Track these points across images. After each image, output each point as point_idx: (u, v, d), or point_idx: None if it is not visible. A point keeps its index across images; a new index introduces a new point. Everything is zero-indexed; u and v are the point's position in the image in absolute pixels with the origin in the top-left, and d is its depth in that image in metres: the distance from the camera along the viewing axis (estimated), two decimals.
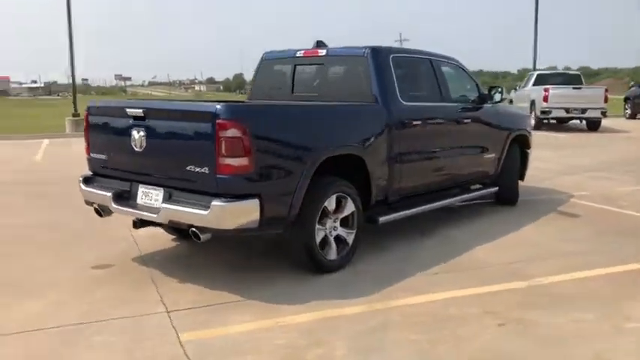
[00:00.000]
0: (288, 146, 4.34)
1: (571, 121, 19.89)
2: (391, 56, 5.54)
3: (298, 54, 5.94)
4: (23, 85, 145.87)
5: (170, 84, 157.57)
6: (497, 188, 7.12)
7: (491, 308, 4.03)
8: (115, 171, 4.85)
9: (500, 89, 6.84)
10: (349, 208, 4.88)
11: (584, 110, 18.47)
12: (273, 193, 4.25)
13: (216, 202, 3.99)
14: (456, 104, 6.37)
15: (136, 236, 5.69)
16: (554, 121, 19.86)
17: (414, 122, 5.58)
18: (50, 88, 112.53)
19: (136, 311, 3.98)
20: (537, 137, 17.11)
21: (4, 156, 13.05)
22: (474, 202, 7.29)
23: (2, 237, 5.92)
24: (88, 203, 5.01)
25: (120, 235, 5.79)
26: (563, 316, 3.90)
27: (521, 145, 7.59)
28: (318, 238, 4.63)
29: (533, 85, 20.09)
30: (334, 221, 4.82)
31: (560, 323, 3.80)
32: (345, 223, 4.91)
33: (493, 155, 6.91)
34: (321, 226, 4.66)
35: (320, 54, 5.78)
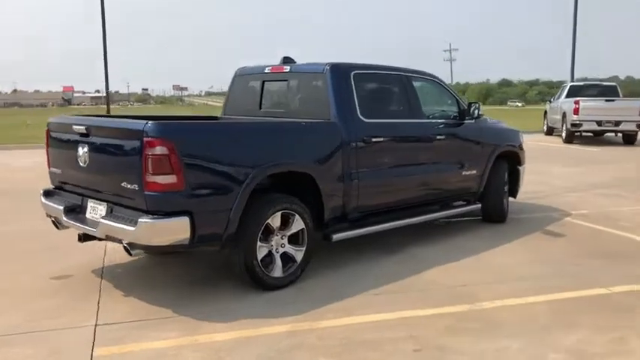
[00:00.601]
0: (221, 164, 4.37)
1: (607, 134, 19.22)
2: (353, 73, 5.51)
3: (266, 70, 5.99)
4: (86, 95, 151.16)
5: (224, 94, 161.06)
6: (479, 205, 6.96)
7: (417, 332, 3.93)
8: (70, 185, 5.01)
9: (477, 105, 6.70)
10: (297, 225, 4.87)
11: (617, 123, 17.81)
12: (207, 210, 4.28)
13: (142, 219, 4.07)
14: (428, 120, 6.27)
15: (109, 248, 5.78)
16: (589, 134, 19.24)
17: (376, 139, 5.52)
18: (112, 97, 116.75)
19: (67, 323, 4.08)
20: (565, 150, 16.98)
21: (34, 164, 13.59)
22: (460, 218, 7.14)
23: None
24: (48, 216, 5.18)
25: (96, 246, 5.74)
26: (488, 344, 3.77)
27: (511, 161, 7.41)
28: (260, 255, 4.63)
29: (566, 97, 19.49)
30: (281, 238, 4.82)
31: (482, 350, 3.68)
32: (294, 240, 4.90)
33: (474, 172, 6.76)
34: (263, 244, 4.67)
35: (285, 70, 5.81)
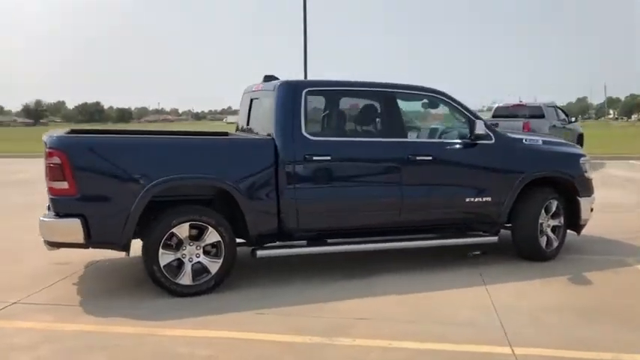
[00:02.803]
0: (115, 175, 4.82)
1: None
2: (305, 90, 5.44)
3: (253, 88, 6.22)
4: None
5: None
6: (495, 239, 6.05)
7: (220, 354, 3.84)
8: None
9: (487, 124, 5.90)
10: (212, 237, 5.05)
11: None
12: (100, 215, 4.78)
13: (42, 219, 4.77)
14: (407, 140, 5.74)
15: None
16: None
17: (322, 157, 5.34)
18: None
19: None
20: None
21: None
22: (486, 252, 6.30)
23: None
24: None
25: None
26: None
27: (564, 190, 6.26)
28: (163, 262, 4.93)
29: None
30: (196, 248, 5.05)
31: None
32: (211, 251, 5.09)
33: (488, 199, 5.91)
34: (168, 251, 4.96)
35: (259, 88, 5.98)
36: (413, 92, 6.03)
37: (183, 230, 4.98)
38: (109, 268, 5.97)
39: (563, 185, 6.31)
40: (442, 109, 6.16)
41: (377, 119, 5.77)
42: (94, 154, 4.84)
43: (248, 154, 5.26)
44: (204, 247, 5.07)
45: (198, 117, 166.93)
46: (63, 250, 5.13)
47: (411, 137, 6.29)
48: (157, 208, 4.98)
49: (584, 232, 7.17)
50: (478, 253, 6.32)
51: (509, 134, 6.39)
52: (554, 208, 6.22)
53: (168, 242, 4.96)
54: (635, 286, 5.36)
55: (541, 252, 6.14)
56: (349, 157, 5.52)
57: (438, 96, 6.02)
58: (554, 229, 6.29)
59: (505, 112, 16.95)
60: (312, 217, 5.39)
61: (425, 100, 6.10)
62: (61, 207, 4.75)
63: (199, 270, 5.06)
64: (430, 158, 5.71)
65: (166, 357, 3.82)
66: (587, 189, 6.42)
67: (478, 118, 5.97)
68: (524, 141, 6.24)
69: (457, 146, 5.90)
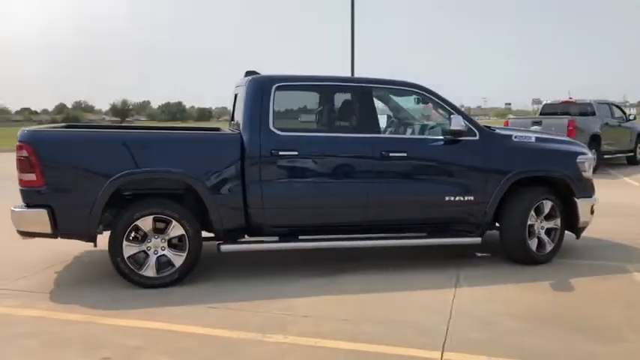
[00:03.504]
0: (80, 168, 4.99)
1: None
2: (275, 85, 5.42)
3: (238, 83, 6.25)
4: None
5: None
6: (479, 240, 5.79)
7: (148, 345, 3.90)
8: None
9: (470, 122, 5.71)
10: (176, 231, 5.13)
11: None
12: (66, 206, 4.96)
13: (12, 208, 5.00)
14: (380, 136, 5.60)
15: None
16: None
17: (289, 152, 5.30)
18: (469, 112, 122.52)
19: None
20: None
21: None
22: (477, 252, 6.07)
23: None
24: None
25: None
26: None
27: (559, 191, 5.93)
28: (126, 254, 5.05)
29: None
30: (162, 241, 5.15)
31: None
32: (175, 244, 5.17)
33: (470, 198, 5.67)
34: (133, 243, 5.08)
35: (240, 84, 5.99)
36: (391, 87, 5.88)
37: (146, 223, 5.08)
38: (100, 257, 6.15)
39: (558, 185, 5.96)
40: (424, 105, 5.96)
41: (350, 114, 5.66)
42: (60, 148, 5.03)
43: (214, 149, 5.30)
44: (169, 241, 5.15)
45: None
46: (61, 240, 5.22)
47: (388, 133, 6.15)
48: (131, 201, 5.12)
49: (594, 235, 6.86)
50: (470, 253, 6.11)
51: (499, 131, 6.11)
52: (547, 210, 5.89)
53: (135, 235, 5.08)
54: (619, 296, 4.97)
55: (530, 255, 5.82)
56: (317, 152, 5.43)
57: (418, 91, 5.83)
58: (548, 231, 5.96)
59: (553, 110, 16.19)
60: (279, 213, 5.37)
61: (405, 96, 5.92)
62: (29, 198, 4.97)
63: (164, 263, 5.15)
64: (405, 155, 5.54)
65: (95, 345, 3.91)
66: (586, 189, 6.03)
67: (460, 113, 5.74)
68: (513, 138, 5.93)
69: (435, 143, 5.70)
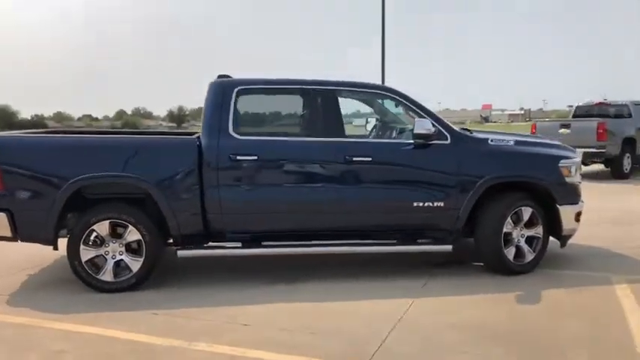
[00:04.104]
0: (39, 172, 5.05)
1: None
2: (237, 89, 5.37)
3: None
4: (505, 112, 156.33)
5: None
6: (449, 248, 5.54)
7: (72, 349, 3.90)
8: None
9: (442, 126, 5.54)
10: (132, 235, 5.14)
11: None
12: (24, 210, 5.05)
13: None
14: (343, 140, 5.41)
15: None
16: None
17: (248, 157, 5.22)
18: (529, 115, 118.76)
19: None
20: None
21: None
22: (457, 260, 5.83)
23: None
24: None
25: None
26: None
27: (539, 197, 5.63)
28: (84, 258, 5.09)
29: None
30: (119, 246, 5.18)
31: None
32: (135, 249, 5.18)
33: (440, 204, 5.43)
34: (90, 247, 5.11)
35: None
36: (358, 90, 5.72)
37: (103, 228, 5.10)
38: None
39: (539, 191, 5.65)
40: (397, 108, 5.76)
41: (313, 118, 5.52)
42: (19, 153, 5.12)
43: (170, 153, 5.28)
44: (127, 245, 5.17)
45: None
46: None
47: (373, 137, 5.99)
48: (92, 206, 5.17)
49: (595, 243, 6.48)
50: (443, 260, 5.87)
51: (475, 134, 5.84)
52: (526, 217, 5.58)
53: (94, 239, 5.11)
54: (587, 310, 4.63)
55: (506, 265, 5.53)
56: (277, 157, 5.33)
57: (387, 93, 5.66)
58: (529, 239, 5.65)
59: (585, 112, 15.48)
60: (238, 218, 5.30)
61: (374, 99, 5.75)
62: None
63: (123, 268, 5.17)
64: (369, 159, 5.36)
65: (23, 348, 3.96)
66: (569, 195, 5.68)
67: (432, 117, 5.52)
68: (489, 141, 5.65)
69: (403, 147, 5.49)
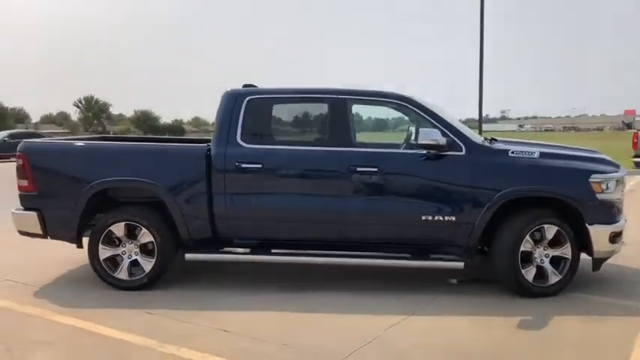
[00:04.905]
0: (64, 175, 5.49)
1: None
2: (248, 98, 5.47)
3: None
4: None
5: None
6: (461, 265, 5.23)
7: (59, 342, 4.19)
8: None
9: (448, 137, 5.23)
10: (145, 237, 5.42)
11: None
12: (52, 210, 5.49)
13: (12, 210, 5.65)
14: (349, 150, 5.29)
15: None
16: None
17: (254, 165, 5.29)
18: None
19: None
20: None
21: None
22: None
23: None
24: None
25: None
26: None
27: (569, 214, 5.19)
28: (102, 256, 5.44)
29: None
30: (135, 246, 5.48)
31: None
32: (149, 250, 5.45)
33: (452, 219, 5.16)
34: (108, 247, 5.45)
35: None
36: (371, 99, 5.58)
37: (119, 229, 5.42)
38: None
39: (567, 208, 5.18)
40: (406, 118, 5.56)
41: (322, 127, 5.48)
42: (47, 158, 5.60)
43: (181, 161, 5.49)
44: (142, 246, 5.45)
45: None
46: None
47: (404, 148, 5.77)
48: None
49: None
50: (455, 282, 5.59)
51: (497, 145, 5.47)
52: (550, 236, 5.15)
53: (112, 239, 5.45)
54: (587, 342, 4.16)
55: (523, 285, 5.13)
56: (282, 165, 5.35)
57: (399, 102, 5.47)
58: (556, 260, 5.20)
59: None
60: (243, 225, 5.39)
61: (386, 107, 5.58)
62: (23, 202, 5.58)
63: (137, 267, 5.46)
64: (375, 170, 5.22)
65: (11, 338, 4.30)
66: (602, 214, 5.14)
67: (446, 127, 5.26)
68: (509, 153, 5.27)
69: (413, 158, 5.28)
